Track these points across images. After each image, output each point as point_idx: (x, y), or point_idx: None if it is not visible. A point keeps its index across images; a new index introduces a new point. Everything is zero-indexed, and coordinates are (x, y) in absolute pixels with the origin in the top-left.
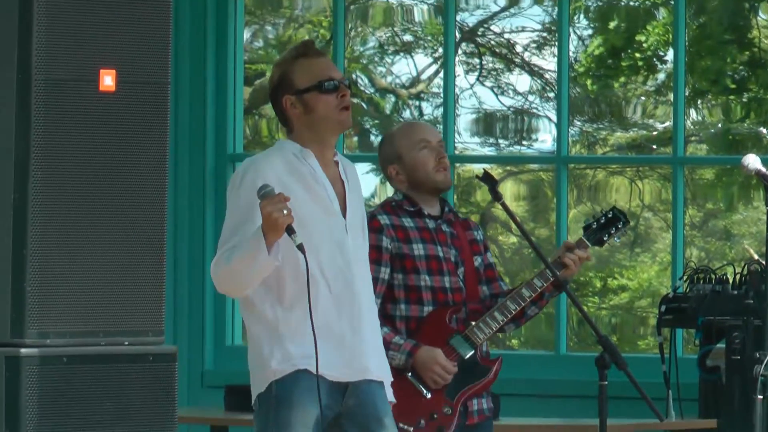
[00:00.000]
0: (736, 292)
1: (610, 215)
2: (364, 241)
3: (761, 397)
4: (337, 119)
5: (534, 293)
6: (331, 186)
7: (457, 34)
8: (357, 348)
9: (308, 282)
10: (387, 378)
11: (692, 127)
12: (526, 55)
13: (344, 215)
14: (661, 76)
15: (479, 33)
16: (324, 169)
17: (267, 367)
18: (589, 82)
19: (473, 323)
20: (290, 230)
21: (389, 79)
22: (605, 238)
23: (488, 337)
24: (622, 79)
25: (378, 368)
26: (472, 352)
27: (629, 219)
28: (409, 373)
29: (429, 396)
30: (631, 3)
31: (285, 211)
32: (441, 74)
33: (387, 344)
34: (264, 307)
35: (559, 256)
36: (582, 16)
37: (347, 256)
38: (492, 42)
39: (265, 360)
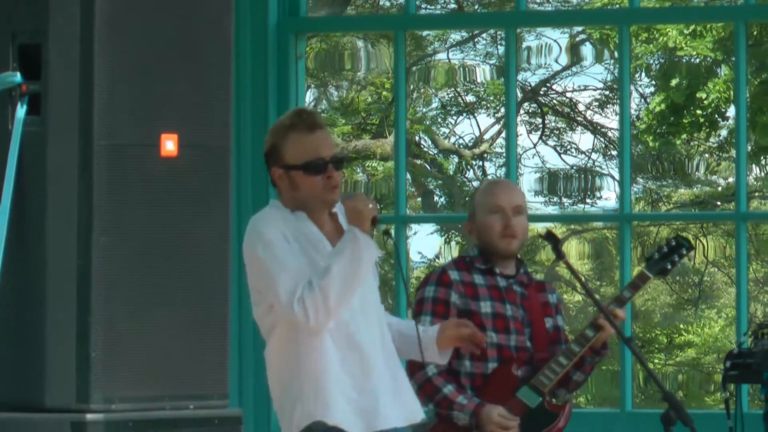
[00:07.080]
0: None
1: (673, 243)
2: (375, 280)
3: None
4: (322, 199)
5: (596, 333)
6: (328, 242)
7: (519, 94)
8: (370, 399)
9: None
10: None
11: (755, 182)
12: (588, 113)
13: None
14: (723, 132)
15: (541, 92)
16: (320, 228)
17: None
18: (650, 139)
19: (539, 372)
20: (374, 222)
21: (452, 139)
22: (669, 267)
23: (554, 383)
24: (684, 136)
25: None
26: (540, 400)
27: (692, 244)
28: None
29: None
30: (693, 60)
31: (370, 205)
32: (503, 134)
33: (450, 403)
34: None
35: (594, 319)
36: (643, 73)
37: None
38: (554, 101)
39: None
